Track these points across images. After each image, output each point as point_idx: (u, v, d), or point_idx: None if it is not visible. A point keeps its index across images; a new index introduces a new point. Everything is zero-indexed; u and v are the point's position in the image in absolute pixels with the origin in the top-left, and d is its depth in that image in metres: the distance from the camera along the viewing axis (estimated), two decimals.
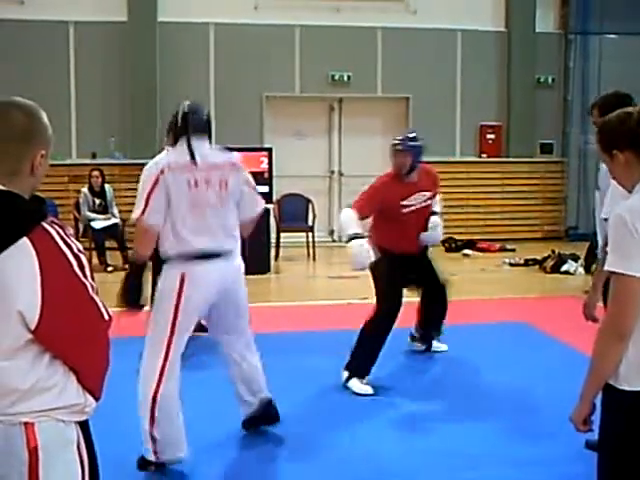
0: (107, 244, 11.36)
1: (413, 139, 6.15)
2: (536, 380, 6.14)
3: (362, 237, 5.74)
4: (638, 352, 2.66)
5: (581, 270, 10.83)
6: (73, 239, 2.22)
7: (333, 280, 10.71)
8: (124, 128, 12.77)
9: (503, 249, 13.00)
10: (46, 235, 2.15)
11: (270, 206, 11.45)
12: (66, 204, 11.86)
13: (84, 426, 2.32)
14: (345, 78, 13.51)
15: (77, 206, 11.53)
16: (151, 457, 4.53)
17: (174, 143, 4.58)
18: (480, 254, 12.83)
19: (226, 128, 12.93)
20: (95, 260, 11.05)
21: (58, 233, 2.17)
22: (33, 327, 2.12)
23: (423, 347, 7.02)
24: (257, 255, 10.94)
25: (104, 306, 2.25)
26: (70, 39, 12.76)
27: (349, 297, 9.00)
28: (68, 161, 12.49)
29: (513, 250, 12.83)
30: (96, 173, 11.48)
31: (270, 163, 11.40)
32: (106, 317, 2.25)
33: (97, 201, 11.41)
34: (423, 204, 6.24)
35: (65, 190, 12.22)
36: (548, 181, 14.09)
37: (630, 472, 2.70)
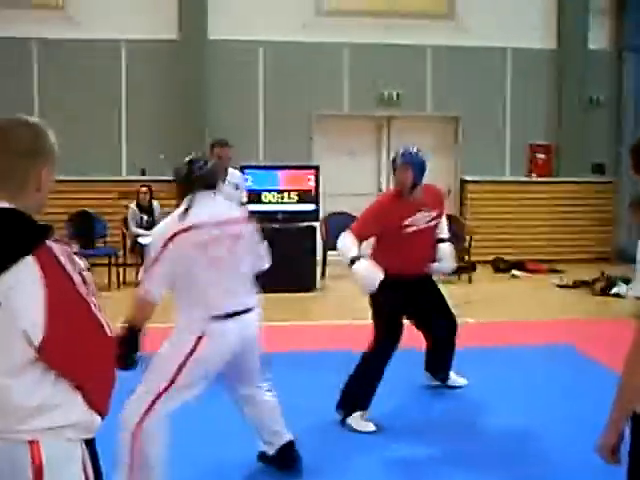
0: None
1: (415, 153, 5.79)
2: (568, 409, 5.91)
3: (365, 258, 5.48)
4: None
5: (632, 293, 10.61)
6: (77, 257, 2.24)
7: None
8: (173, 145, 12.86)
9: (552, 270, 12.81)
10: (50, 253, 2.16)
11: (316, 224, 11.46)
12: (115, 219, 11.98)
13: (90, 443, 2.31)
14: (394, 96, 13.47)
15: (125, 222, 11.65)
16: None
17: (181, 199, 4.39)
18: (529, 275, 12.65)
19: (275, 147, 13.04)
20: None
21: (62, 251, 2.19)
22: (37, 346, 2.12)
23: (436, 381, 6.61)
24: (302, 273, 10.97)
25: (107, 324, 2.25)
26: (122, 57, 12.94)
27: None
28: (118, 177, 12.67)
29: (562, 271, 12.63)
30: (144, 189, 11.60)
31: (317, 181, 11.40)
32: (109, 334, 2.25)
33: (145, 217, 11.51)
34: (428, 224, 5.88)
35: (114, 206, 12.34)
36: (599, 202, 13.86)
37: None
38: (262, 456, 4.91)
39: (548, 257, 13.54)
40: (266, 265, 4.70)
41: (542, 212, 13.85)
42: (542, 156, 13.95)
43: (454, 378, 6.61)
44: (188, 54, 12.89)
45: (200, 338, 4.24)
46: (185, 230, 4.21)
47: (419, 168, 5.71)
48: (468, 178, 13.66)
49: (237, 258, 4.37)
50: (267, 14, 13.05)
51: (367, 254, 5.68)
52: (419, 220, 5.78)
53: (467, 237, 12.36)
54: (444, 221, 6.20)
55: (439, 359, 6.49)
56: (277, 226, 11.04)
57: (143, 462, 4.22)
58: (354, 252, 5.46)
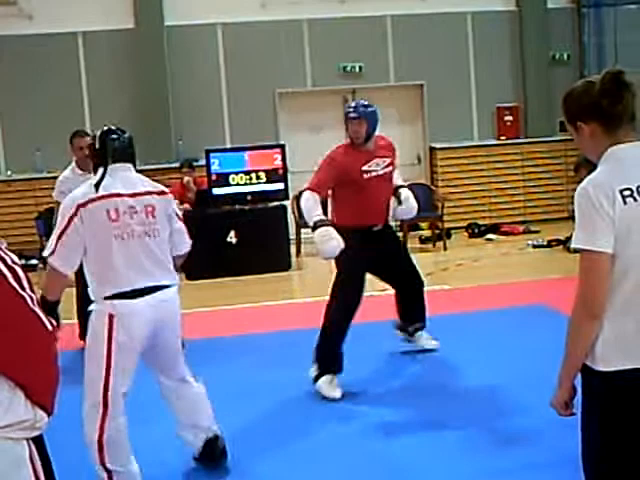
0: None
1: (367, 105, 5.94)
2: (542, 366, 5.90)
3: (327, 224, 5.54)
4: (614, 331, 2.56)
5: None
6: (7, 251, 2.16)
7: None
8: (138, 134, 12.60)
9: (527, 231, 12.84)
10: None
11: (287, 202, 11.40)
12: None
13: (38, 441, 2.25)
14: (357, 69, 13.39)
15: None
16: None
17: (94, 171, 4.29)
18: (504, 238, 12.67)
19: (240, 127, 12.95)
20: None
21: None
22: None
23: (410, 339, 6.65)
24: (277, 252, 10.93)
25: (47, 318, 2.19)
26: (79, 50, 12.78)
27: (368, 290, 8.93)
28: None
29: (538, 232, 12.66)
30: None
31: (284, 159, 11.33)
32: (49, 328, 2.18)
33: None
34: (384, 170, 5.99)
35: None
36: (569, 159, 13.83)
37: (613, 452, 2.60)
38: (194, 458, 4.76)
39: (523, 219, 13.56)
40: (187, 248, 4.55)
41: (514, 174, 13.84)
42: (509, 118, 13.91)
43: (425, 338, 6.63)
44: (146, 42, 12.74)
45: (111, 320, 4.10)
46: (93, 200, 4.10)
47: (372, 120, 5.85)
48: (437, 145, 13.62)
49: (150, 232, 4.23)
50: None
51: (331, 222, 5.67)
52: (375, 167, 5.90)
53: (439, 204, 12.36)
54: (397, 172, 6.28)
55: (410, 308, 6.49)
56: (247, 207, 11.00)
57: (117, 470, 4.19)
58: (317, 215, 5.53)
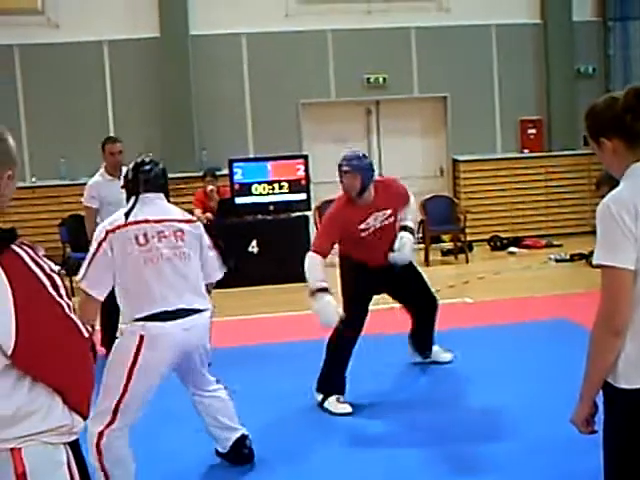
0: None
1: (359, 158, 5.80)
2: (563, 381, 5.89)
3: (326, 293, 5.40)
4: (636, 348, 2.53)
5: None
6: (45, 259, 2.18)
7: None
8: (162, 143, 12.83)
9: (549, 245, 12.78)
10: (16, 257, 2.11)
11: (309, 213, 11.42)
12: None
13: (74, 446, 2.27)
14: (381, 80, 13.41)
15: None
16: None
17: (127, 201, 4.41)
18: (526, 251, 12.62)
19: (263, 137, 12.99)
20: None
21: (28, 254, 2.14)
22: (10, 352, 2.08)
23: (421, 358, 6.69)
24: (298, 263, 10.88)
25: (83, 324, 2.22)
26: (105, 58, 12.88)
27: (383, 302, 8.92)
28: None
29: (560, 246, 12.60)
30: None
31: (307, 170, 11.35)
32: (85, 335, 2.21)
33: None
34: (384, 222, 5.87)
35: None
36: (593, 173, 13.77)
37: (634, 470, 2.57)
38: (217, 452, 4.91)
39: (545, 232, 13.51)
40: (219, 276, 4.64)
41: (536, 187, 13.80)
42: (533, 131, 13.89)
43: (437, 352, 6.68)
44: (171, 51, 12.83)
45: (141, 340, 4.16)
46: (121, 226, 4.22)
47: (366, 172, 5.71)
48: (460, 158, 13.60)
49: (180, 255, 4.31)
50: (248, 6, 12.98)
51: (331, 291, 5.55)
52: (373, 222, 5.81)
53: (462, 217, 12.33)
54: (411, 206, 6.18)
55: (420, 337, 6.56)
56: (269, 217, 11.02)
57: (114, 473, 4.24)
58: (317, 282, 5.42)
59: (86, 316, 4.07)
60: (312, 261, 5.56)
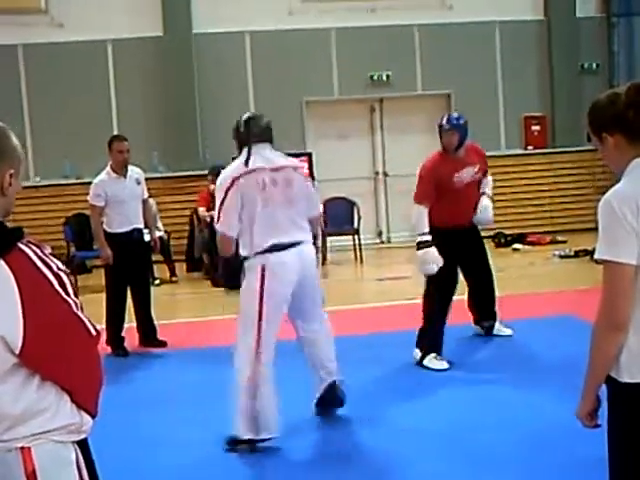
0: (153, 258, 11.42)
1: (458, 118, 6.64)
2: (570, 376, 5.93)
3: (429, 245, 6.20)
4: (638, 342, 2.54)
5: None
6: (52, 257, 2.18)
7: (381, 282, 10.63)
8: (166, 141, 12.86)
9: (554, 241, 12.78)
10: (23, 256, 2.10)
11: None
12: None
13: (83, 445, 2.28)
14: (384, 78, 13.43)
15: None
16: (247, 435, 4.83)
17: (239, 151, 4.98)
18: (530, 248, 12.62)
19: None
20: None
21: (35, 253, 2.13)
22: (18, 351, 2.08)
23: (484, 330, 7.31)
24: None
25: (90, 322, 2.21)
26: (109, 57, 12.91)
27: (397, 299, 8.92)
28: None
29: (564, 242, 12.61)
30: None
31: (311, 168, 11.35)
32: (93, 333, 2.21)
33: None
34: (474, 177, 6.62)
35: None
36: (597, 169, 13.78)
37: (638, 464, 2.58)
38: (316, 404, 5.42)
39: (549, 229, 13.52)
40: (318, 212, 5.28)
41: (541, 184, 13.81)
42: (537, 127, 13.89)
43: (498, 327, 7.32)
44: (175, 50, 12.86)
45: (263, 269, 4.79)
46: (245, 174, 4.80)
47: (463, 131, 6.56)
48: None
49: (290, 199, 4.91)
50: (252, 4, 13.02)
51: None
52: (466, 174, 6.53)
53: None
54: (489, 179, 6.96)
55: (482, 305, 7.24)
56: None
57: (258, 406, 4.78)
58: (422, 234, 6.25)
59: (227, 250, 4.91)
60: (419, 212, 6.33)
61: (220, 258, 5.17)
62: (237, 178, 4.81)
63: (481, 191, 6.81)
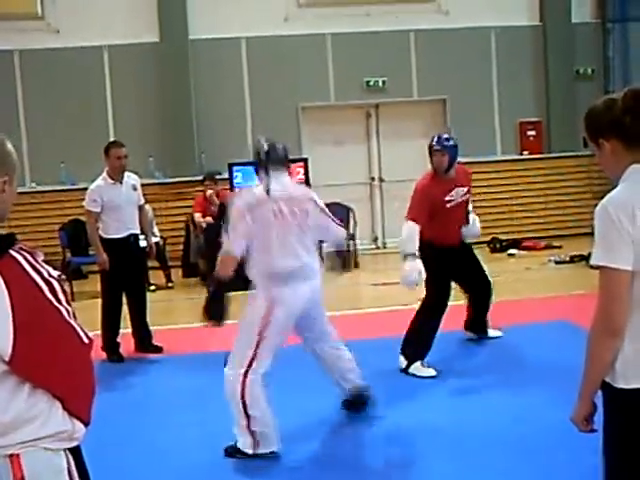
0: (149, 263, 11.41)
1: (448, 139, 6.67)
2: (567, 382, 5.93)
3: (415, 258, 6.23)
4: (634, 347, 2.54)
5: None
6: (44, 264, 2.17)
7: (377, 287, 10.63)
8: (162, 147, 12.86)
9: (549, 247, 12.79)
10: (14, 262, 2.10)
11: None
12: None
13: (76, 452, 2.27)
14: (380, 83, 13.44)
15: None
16: (248, 450, 4.92)
17: (258, 175, 5.16)
18: (526, 253, 12.63)
19: None
20: None
21: (26, 259, 2.13)
22: (7, 358, 2.07)
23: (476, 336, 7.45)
24: None
25: (82, 330, 2.20)
26: (105, 63, 12.91)
27: (393, 304, 8.91)
28: None
29: (560, 247, 12.61)
30: None
31: (306, 173, 11.35)
32: (85, 341, 2.20)
33: None
34: (463, 198, 6.74)
35: None
36: (593, 174, 13.80)
37: (633, 470, 2.58)
38: (343, 403, 5.67)
39: (545, 234, 13.52)
40: (342, 232, 5.46)
41: (536, 189, 13.82)
42: (532, 133, 13.91)
43: (491, 331, 7.47)
44: (171, 56, 12.87)
45: (272, 303, 4.92)
46: (264, 201, 4.93)
47: (453, 152, 6.60)
48: (459, 160, 13.52)
49: (303, 228, 5.06)
50: (248, 10, 13.02)
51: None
52: (456, 195, 6.65)
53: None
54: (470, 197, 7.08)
55: (477, 317, 7.35)
56: None
57: (255, 415, 4.87)
58: (411, 248, 6.27)
59: (226, 270, 4.93)
60: (410, 229, 6.35)
61: (212, 283, 5.17)
62: (256, 205, 4.93)
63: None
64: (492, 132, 13.87)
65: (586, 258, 11.17)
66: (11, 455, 2.13)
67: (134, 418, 5.82)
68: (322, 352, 5.49)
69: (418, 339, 6.59)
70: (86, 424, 2.26)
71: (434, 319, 6.61)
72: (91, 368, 2.26)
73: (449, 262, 6.71)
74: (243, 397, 4.86)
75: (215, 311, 5.00)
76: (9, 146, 2.24)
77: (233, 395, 4.90)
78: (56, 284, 2.17)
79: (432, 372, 6.49)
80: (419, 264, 6.24)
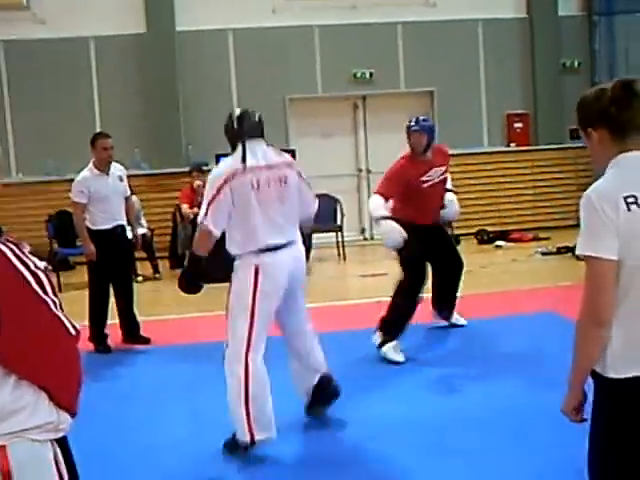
0: (136, 254, 11.39)
1: (425, 120, 6.82)
2: (556, 364, 5.96)
3: (390, 218, 6.27)
4: (623, 337, 2.55)
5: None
6: (30, 256, 2.17)
7: (364, 279, 10.65)
8: (149, 138, 12.83)
9: (536, 238, 12.84)
10: (0, 254, 2.10)
11: None
12: None
13: (62, 443, 2.27)
14: (367, 75, 13.44)
15: None
16: (245, 438, 4.77)
17: (233, 149, 4.89)
18: (513, 245, 12.67)
19: None
20: None
21: (12, 251, 2.12)
22: None
23: (443, 321, 7.49)
24: None
25: (69, 321, 2.19)
26: (91, 54, 12.86)
27: (380, 295, 8.93)
28: None
29: (547, 239, 12.66)
30: None
31: None
32: (72, 332, 2.19)
33: None
34: (440, 177, 6.83)
35: None
36: (579, 167, 13.86)
37: (619, 458, 2.60)
38: (308, 409, 5.42)
39: (532, 226, 13.57)
40: (313, 209, 5.20)
41: (523, 181, 13.87)
42: (519, 125, 13.94)
43: (456, 317, 7.51)
44: (157, 47, 12.82)
45: (257, 270, 4.76)
46: (240, 173, 4.72)
47: (431, 132, 6.73)
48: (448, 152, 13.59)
49: (283, 198, 4.86)
50: (235, 2, 13.00)
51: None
52: (434, 175, 6.74)
53: None
54: (448, 176, 7.11)
55: (444, 298, 7.36)
56: None
57: (253, 408, 4.74)
58: (382, 211, 6.32)
59: (203, 248, 4.80)
60: (376, 199, 6.41)
61: (191, 257, 5.00)
62: (231, 177, 4.72)
63: (445, 187, 7.03)
64: (479, 124, 13.90)
65: (573, 249, 11.21)
66: None
67: (121, 409, 5.82)
68: (293, 327, 5.23)
69: (394, 318, 6.65)
70: (73, 415, 2.25)
71: (410, 299, 6.66)
72: (78, 359, 2.25)
73: (423, 240, 6.73)
74: (246, 377, 4.72)
75: (190, 283, 4.93)
76: None
77: (233, 374, 4.75)
78: (42, 276, 2.16)
79: (401, 358, 6.53)
80: (395, 223, 6.23)
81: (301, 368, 5.27)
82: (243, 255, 4.82)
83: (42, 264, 2.20)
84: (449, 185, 7.09)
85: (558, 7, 13.83)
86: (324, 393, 5.32)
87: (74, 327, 2.20)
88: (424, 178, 6.68)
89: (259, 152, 4.83)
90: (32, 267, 2.14)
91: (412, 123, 6.70)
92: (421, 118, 6.82)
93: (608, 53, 13.99)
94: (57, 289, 2.24)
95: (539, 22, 13.76)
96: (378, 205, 6.38)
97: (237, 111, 4.98)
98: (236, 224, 4.78)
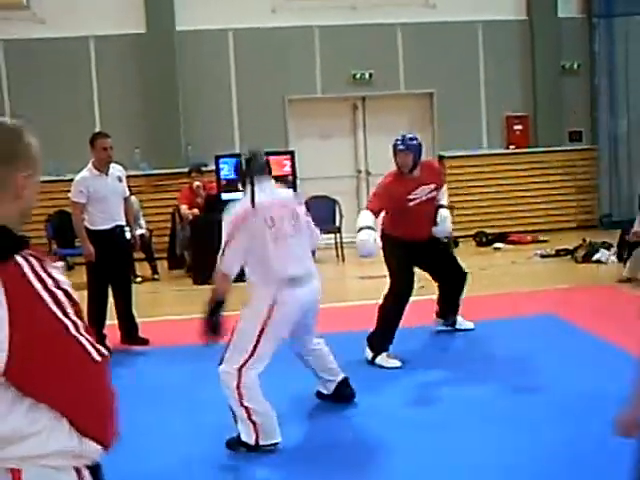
0: (135, 255, 11.37)
1: (412, 139, 6.72)
2: (555, 366, 6.00)
3: (372, 229, 6.28)
4: None
5: (613, 259, 10.61)
6: (52, 272, 2.03)
7: (363, 280, 10.64)
8: (148, 139, 12.81)
9: (535, 241, 12.83)
10: (16, 269, 1.96)
11: None
12: None
13: (95, 470, 2.16)
14: (367, 76, 13.43)
15: None
16: (251, 441, 4.91)
17: (243, 186, 5.12)
18: (512, 247, 12.66)
19: (250, 133, 12.96)
20: None
21: (32, 267, 1.98)
22: (2, 370, 1.95)
23: (448, 325, 7.52)
24: None
25: (94, 346, 2.03)
26: (91, 54, 12.84)
27: (379, 297, 8.92)
28: None
29: (546, 241, 12.65)
30: None
31: (293, 166, 11.34)
32: (97, 357, 2.03)
33: None
34: (428, 195, 6.77)
35: None
36: (579, 169, 13.87)
37: None
38: (320, 394, 5.77)
39: (531, 228, 13.56)
40: (317, 241, 5.51)
41: (523, 183, 13.85)
42: (519, 127, 13.94)
43: (461, 321, 7.53)
44: (157, 47, 12.80)
45: (272, 306, 4.93)
46: (250, 213, 4.91)
47: (417, 151, 6.66)
48: (446, 154, 13.62)
49: (298, 232, 5.10)
50: (235, 2, 12.98)
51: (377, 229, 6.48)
52: (421, 193, 6.71)
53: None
54: (444, 190, 7.09)
55: (447, 305, 7.38)
56: None
57: (253, 407, 4.88)
58: (365, 222, 6.35)
59: (222, 290, 4.98)
60: (365, 214, 6.47)
61: (211, 301, 5.10)
62: (242, 220, 4.93)
63: (438, 203, 6.95)
64: (479, 126, 13.89)
65: (571, 252, 11.23)
66: (12, 470, 2.03)
67: (120, 410, 5.80)
68: (309, 353, 5.58)
69: (382, 330, 6.69)
70: (104, 446, 2.12)
71: (397, 308, 6.67)
72: (104, 388, 2.10)
73: (415, 253, 6.78)
74: (239, 389, 4.85)
75: (214, 327, 4.99)
76: (26, 138, 2.14)
77: (228, 388, 4.89)
78: (61, 295, 2.01)
79: (397, 363, 6.59)
80: (374, 233, 6.28)
81: (322, 370, 5.67)
82: (262, 286, 5.02)
83: (66, 283, 2.06)
84: (445, 201, 7.07)
85: (558, 9, 13.82)
86: (342, 395, 5.71)
87: (99, 352, 2.04)
88: (411, 196, 6.67)
89: (267, 188, 5.06)
90: (50, 285, 1.99)
91: (398, 142, 6.68)
92: (408, 137, 6.76)
93: (608, 55, 13.98)
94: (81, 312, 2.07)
95: (539, 24, 13.75)
96: (364, 217, 6.45)
97: (246, 153, 5.21)
98: (255, 260, 5.00)
